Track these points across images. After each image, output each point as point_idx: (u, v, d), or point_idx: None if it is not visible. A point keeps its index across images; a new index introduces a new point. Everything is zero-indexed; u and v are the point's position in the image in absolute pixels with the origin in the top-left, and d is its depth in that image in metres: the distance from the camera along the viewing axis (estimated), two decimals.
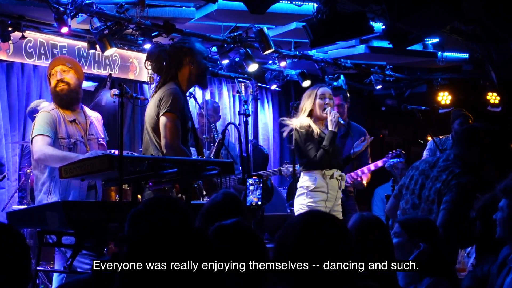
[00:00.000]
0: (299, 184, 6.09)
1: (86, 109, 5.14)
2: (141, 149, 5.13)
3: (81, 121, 4.96)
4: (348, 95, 6.92)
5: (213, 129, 6.97)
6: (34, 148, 4.76)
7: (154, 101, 4.79)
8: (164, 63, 4.87)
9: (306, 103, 6.08)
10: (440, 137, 7.85)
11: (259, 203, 4.32)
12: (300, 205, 5.97)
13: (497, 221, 3.61)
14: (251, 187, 4.65)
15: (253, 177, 4.66)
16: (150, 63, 4.96)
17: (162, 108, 4.68)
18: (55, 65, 4.95)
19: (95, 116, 5.16)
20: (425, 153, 7.79)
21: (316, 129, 5.95)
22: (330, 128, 5.91)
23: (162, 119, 4.67)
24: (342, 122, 6.02)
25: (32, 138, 4.79)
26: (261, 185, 4.64)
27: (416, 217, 3.94)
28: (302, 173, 6.05)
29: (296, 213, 5.99)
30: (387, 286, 2.85)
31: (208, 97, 8.38)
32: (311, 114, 6.05)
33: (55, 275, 4.86)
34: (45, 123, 4.78)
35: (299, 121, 6.05)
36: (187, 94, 7.48)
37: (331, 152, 5.91)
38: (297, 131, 6.01)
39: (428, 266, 3.42)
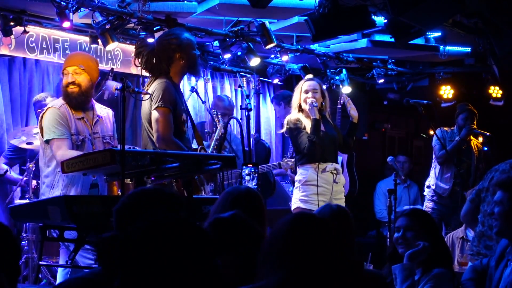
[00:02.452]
0: (295, 178, 6.11)
1: (97, 106, 5.07)
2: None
3: (88, 118, 4.93)
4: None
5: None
6: (58, 155, 4.64)
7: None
8: (154, 61, 4.89)
9: (294, 98, 6.10)
10: (446, 129, 7.83)
11: None
12: (294, 198, 6.01)
13: (495, 216, 3.60)
14: (247, 177, 4.66)
15: (249, 166, 4.66)
16: (139, 61, 4.98)
17: (154, 103, 4.75)
18: (69, 64, 4.88)
19: (105, 113, 5.09)
20: (435, 145, 7.77)
21: (305, 123, 5.93)
22: (311, 117, 5.89)
23: (154, 114, 4.74)
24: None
25: (49, 140, 4.70)
26: (256, 174, 4.65)
27: (420, 209, 3.94)
28: (297, 168, 6.06)
29: (291, 206, 6.07)
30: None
31: (210, 91, 8.37)
32: (301, 108, 6.04)
33: (59, 270, 4.86)
34: (58, 123, 4.71)
35: (288, 116, 6.07)
36: (190, 89, 7.52)
37: (323, 145, 5.89)
38: (286, 127, 6.02)
39: (430, 259, 3.44)
